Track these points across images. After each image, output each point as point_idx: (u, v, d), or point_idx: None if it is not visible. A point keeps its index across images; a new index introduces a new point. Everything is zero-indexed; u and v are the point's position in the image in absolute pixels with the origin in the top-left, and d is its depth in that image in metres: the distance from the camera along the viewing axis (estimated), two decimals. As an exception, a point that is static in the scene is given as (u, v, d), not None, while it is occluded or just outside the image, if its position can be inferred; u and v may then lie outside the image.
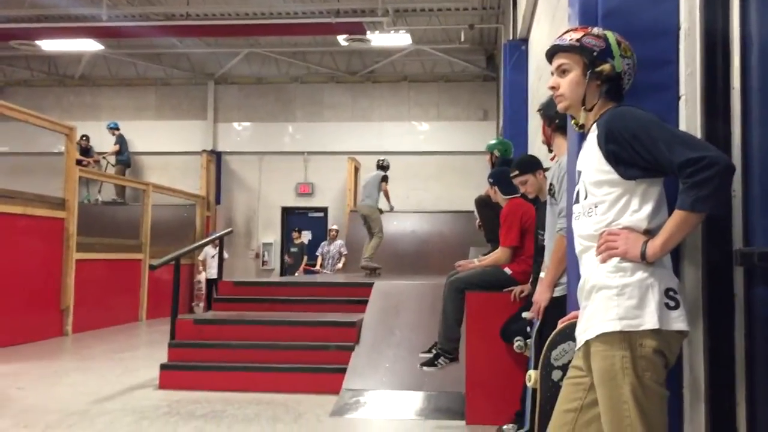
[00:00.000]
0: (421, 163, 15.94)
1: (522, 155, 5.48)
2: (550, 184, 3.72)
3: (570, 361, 2.37)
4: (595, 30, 2.31)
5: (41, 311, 9.42)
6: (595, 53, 2.25)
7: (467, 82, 16.27)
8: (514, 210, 5.11)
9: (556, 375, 2.61)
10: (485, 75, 16.07)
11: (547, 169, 4.31)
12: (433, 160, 15.98)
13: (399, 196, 15.64)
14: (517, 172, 4.45)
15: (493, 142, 7.07)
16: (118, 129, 15.58)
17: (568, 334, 2.48)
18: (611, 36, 2.28)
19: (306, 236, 15.47)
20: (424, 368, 5.07)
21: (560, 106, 2.35)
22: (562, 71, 2.31)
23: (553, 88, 2.34)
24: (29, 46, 14.82)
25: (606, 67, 2.25)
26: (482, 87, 16.15)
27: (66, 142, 10.40)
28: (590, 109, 2.27)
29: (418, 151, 16.02)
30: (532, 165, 4.43)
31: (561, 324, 2.59)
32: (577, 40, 2.28)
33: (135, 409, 5.39)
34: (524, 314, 4.07)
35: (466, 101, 16.19)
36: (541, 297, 3.72)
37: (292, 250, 14.49)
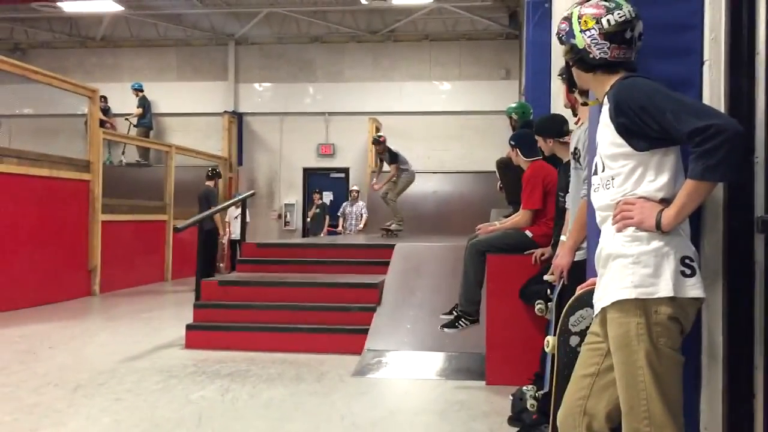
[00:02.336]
0: (442, 123, 15.86)
1: (543, 117, 5.44)
2: (575, 149, 3.70)
3: (587, 328, 2.40)
4: (567, 12, 2.32)
5: (69, 272, 9.62)
6: (562, 38, 2.31)
7: (489, 40, 16.05)
8: (536, 173, 5.10)
9: (573, 341, 2.64)
10: (508, 33, 15.83)
11: (568, 133, 4.28)
12: (455, 120, 15.88)
13: (420, 156, 15.63)
14: (537, 132, 4.47)
15: (513, 105, 7.02)
16: (142, 90, 15.59)
17: (586, 300, 2.51)
18: (575, 12, 2.28)
19: (327, 197, 15.53)
20: (445, 330, 5.14)
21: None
22: None
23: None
24: (51, 7, 14.86)
25: (565, 48, 2.30)
26: (504, 45, 15.93)
27: (89, 104, 10.49)
28: (579, 90, 2.37)
29: (439, 111, 15.91)
30: (543, 130, 4.42)
31: (579, 290, 2.61)
32: (557, 30, 2.34)
33: (162, 368, 5.53)
34: (546, 276, 4.09)
35: (488, 60, 16.00)
36: (562, 261, 3.73)
37: (315, 211, 14.57)
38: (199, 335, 6.40)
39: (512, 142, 5.35)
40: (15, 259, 8.51)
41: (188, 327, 6.49)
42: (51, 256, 9.15)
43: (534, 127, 4.50)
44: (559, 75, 3.90)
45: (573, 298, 2.65)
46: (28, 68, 9.27)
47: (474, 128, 15.73)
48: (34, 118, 16.56)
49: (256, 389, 4.94)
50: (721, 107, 2.37)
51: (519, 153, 5.26)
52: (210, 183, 11.18)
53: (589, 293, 2.39)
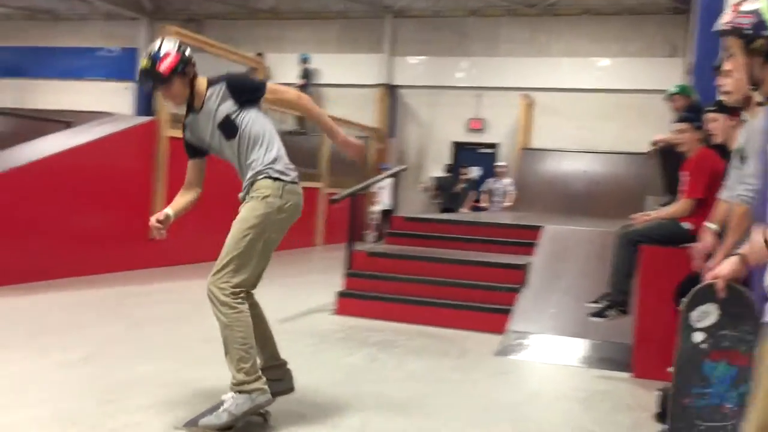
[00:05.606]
0: (598, 100, 15.34)
1: None
2: (740, 147, 3.55)
3: (713, 325, 2.33)
4: (746, 6, 2.21)
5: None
6: (748, 31, 2.18)
7: (655, 14, 15.25)
8: (704, 160, 4.84)
9: (696, 337, 2.54)
10: (675, 7, 14.96)
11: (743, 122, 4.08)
12: (610, 98, 15.29)
13: (571, 135, 15.24)
14: (714, 108, 4.25)
15: (675, 87, 6.70)
16: (307, 62, 16.22)
17: (708, 295, 2.41)
18: (765, 6, 2.16)
19: (475, 172, 15.51)
20: (593, 319, 5.09)
21: (725, 98, 2.32)
22: (729, 55, 2.28)
23: (729, 71, 2.33)
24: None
25: (759, 42, 2.16)
26: (671, 20, 15.08)
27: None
28: (757, 87, 2.23)
29: (596, 88, 15.39)
30: (728, 108, 4.20)
31: (703, 283, 2.52)
32: (728, 23, 2.22)
33: (314, 332, 5.87)
34: None
35: (652, 35, 15.22)
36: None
37: (463, 185, 14.59)
38: (348, 303, 6.71)
39: (697, 123, 5.01)
40: (192, 220, 9.18)
41: (339, 294, 6.82)
42: (219, 216, 9.81)
43: (717, 105, 4.28)
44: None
45: (692, 292, 2.55)
46: (202, 40, 9.91)
47: (631, 107, 15.08)
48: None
49: (402, 360, 5.14)
50: None
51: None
52: None
53: (711, 287, 2.32)
